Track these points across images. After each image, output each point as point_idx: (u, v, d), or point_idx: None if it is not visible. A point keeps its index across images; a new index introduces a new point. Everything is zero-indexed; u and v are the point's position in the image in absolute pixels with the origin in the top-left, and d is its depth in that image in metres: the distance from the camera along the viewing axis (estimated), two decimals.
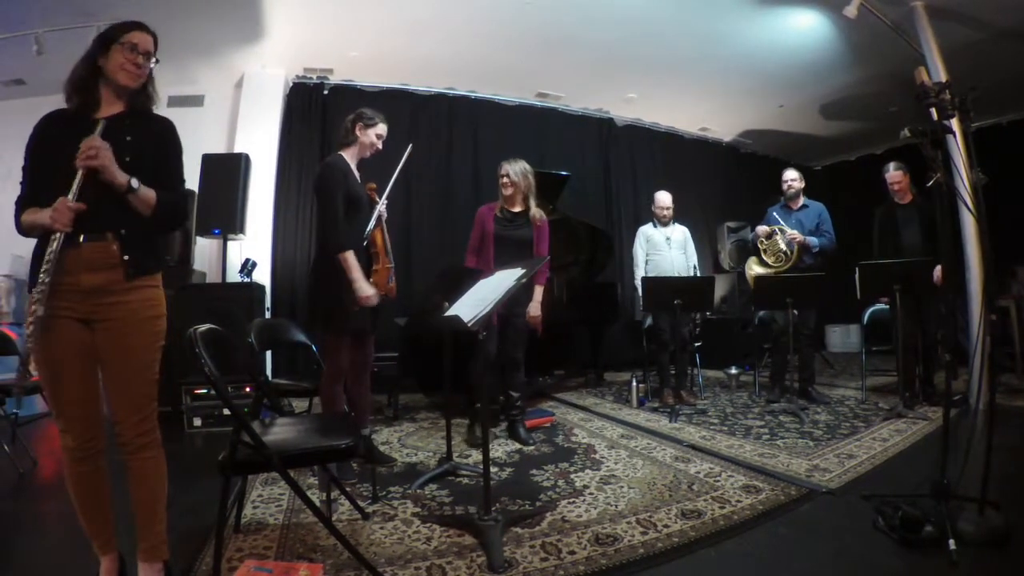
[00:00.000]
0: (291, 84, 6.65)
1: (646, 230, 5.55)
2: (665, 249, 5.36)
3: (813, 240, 4.96)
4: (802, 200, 5.20)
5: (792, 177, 5.23)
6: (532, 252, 4.01)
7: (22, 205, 1.82)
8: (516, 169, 4.03)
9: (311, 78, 6.69)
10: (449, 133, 7.10)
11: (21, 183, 1.86)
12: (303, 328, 3.29)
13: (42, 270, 1.67)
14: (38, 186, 1.80)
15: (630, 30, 5.77)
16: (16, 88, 5.75)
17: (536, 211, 4.05)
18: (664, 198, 5.46)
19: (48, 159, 1.82)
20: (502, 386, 4.24)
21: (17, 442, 3.60)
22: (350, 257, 3.08)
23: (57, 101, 1.86)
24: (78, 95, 1.89)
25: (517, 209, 4.06)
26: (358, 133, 3.33)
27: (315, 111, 6.68)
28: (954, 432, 2.45)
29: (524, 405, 4.19)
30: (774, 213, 5.25)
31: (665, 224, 5.47)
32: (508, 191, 4.03)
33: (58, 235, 1.68)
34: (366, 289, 3.10)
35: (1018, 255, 6.34)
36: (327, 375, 3.17)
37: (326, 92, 6.76)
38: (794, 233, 4.96)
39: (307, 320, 3.35)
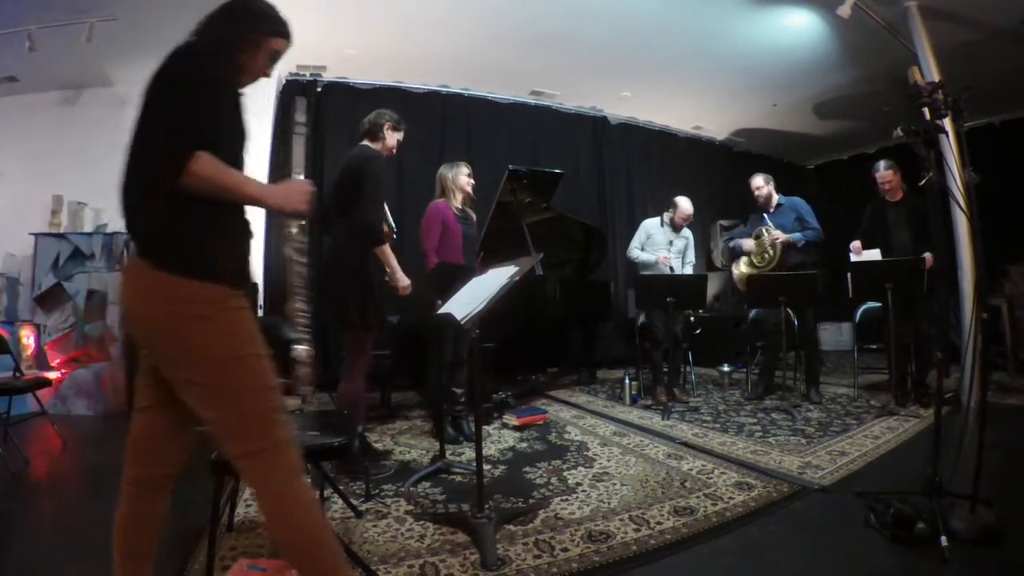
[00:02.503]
0: (284, 82, 6.62)
1: (650, 227, 5.50)
2: (664, 251, 5.34)
3: (797, 235, 4.95)
4: (776, 200, 5.20)
5: (757, 185, 5.23)
6: (475, 247, 4.27)
7: (191, 147, 1.35)
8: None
9: (304, 75, 6.67)
10: (442, 131, 7.09)
11: (185, 120, 1.39)
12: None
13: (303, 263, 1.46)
14: (218, 140, 1.42)
15: (625, 28, 5.77)
16: (9, 85, 5.71)
17: (470, 209, 4.32)
18: (687, 207, 5.37)
19: (224, 115, 1.48)
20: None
21: (9, 441, 3.59)
22: (388, 249, 3.20)
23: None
24: (233, 67, 1.58)
25: (463, 208, 4.20)
26: (387, 134, 3.38)
27: (309, 109, 6.65)
28: (946, 430, 2.46)
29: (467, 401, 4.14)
30: (751, 222, 5.33)
31: (676, 230, 5.44)
32: (471, 190, 4.22)
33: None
34: (405, 279, 3.23)
35: (1010, 254, 6.38)
36: (359, 369, 3.23)
37: (319, 90, 6.74)
38: (776, 233, 4.96)
39: (333, 315, 3.35)
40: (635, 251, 5.49)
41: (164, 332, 1.40)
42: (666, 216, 5.46)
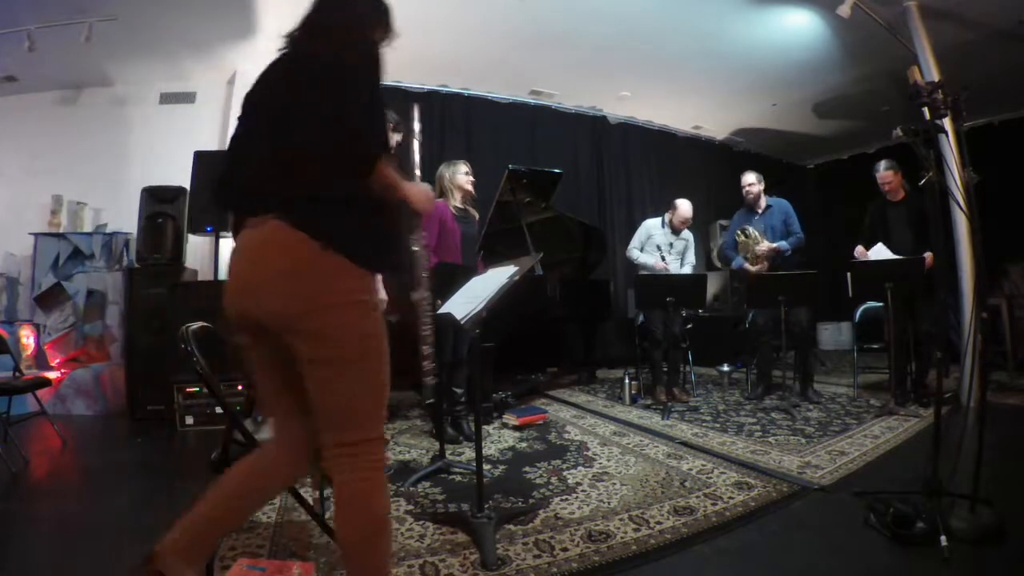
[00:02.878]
0: None
1: (651, 227, 5.50)
2: (661, 253, 5.34)
3: (784, 244, 5.02)
4: (764, 201, 5.23)
5: (750, 182, 5.25)
6: (475, 246, 4.31)
7: (383, 149, 1.46)
8: None
9: None
10: (441, 130, 7.08)
11: (375, 120, 1.47)
12: None
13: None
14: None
15: (624, 28, 5.77)
16: (8, 85, 5.71)
17: (471, 208, 4.32)
18: (687, 210, 5.37)
19: None
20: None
21: (9, 441, 3.59)
22: None
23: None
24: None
25: (464, 206, 4.22)
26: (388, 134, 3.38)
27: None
28: (946, 430, 2.46)
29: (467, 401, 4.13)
30: (737, 219, 5.39)
31: (675, 232, 5.45)
32: (471, 187, 4.22)
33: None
34: (382, 293, 3.27)
35: (1009, 253, 6.38)
36: None
37: None
38: (764, 247, 5.03)
39: None
40: (634, 251, 5.49)
41: (319, 311, 1.39)
42: (666, 217, 5.46)
